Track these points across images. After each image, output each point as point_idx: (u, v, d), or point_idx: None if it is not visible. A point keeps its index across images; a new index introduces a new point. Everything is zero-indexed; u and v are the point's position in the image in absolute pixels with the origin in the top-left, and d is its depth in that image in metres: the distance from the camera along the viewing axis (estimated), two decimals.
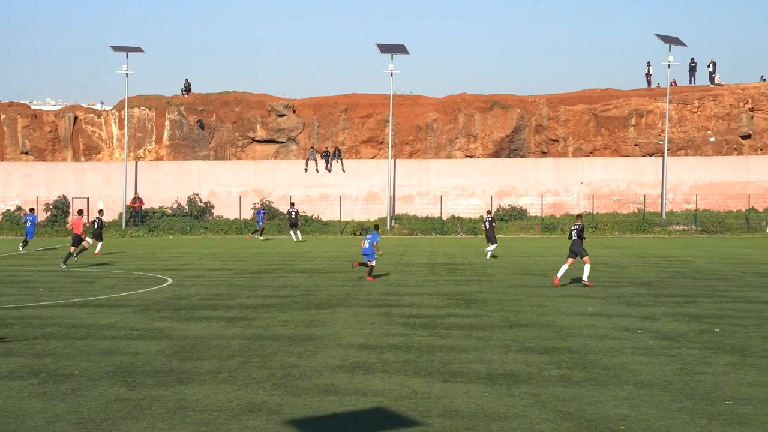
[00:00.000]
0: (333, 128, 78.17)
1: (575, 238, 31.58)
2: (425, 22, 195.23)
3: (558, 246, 52.61)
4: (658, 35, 69.29)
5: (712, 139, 74.51)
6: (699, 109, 75.66)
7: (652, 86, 79.79)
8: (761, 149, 74.82)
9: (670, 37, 69.07)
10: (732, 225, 65.90)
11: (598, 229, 65.10)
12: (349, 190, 71.89)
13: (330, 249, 51.44)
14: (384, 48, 69.71)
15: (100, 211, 46.87)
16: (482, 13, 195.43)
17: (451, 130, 77.22)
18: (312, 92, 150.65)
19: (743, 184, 69.98)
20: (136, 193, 71.63)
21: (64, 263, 39.14)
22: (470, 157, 76.05)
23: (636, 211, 69.39)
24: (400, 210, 71.61)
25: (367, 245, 33.94)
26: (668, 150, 70.32)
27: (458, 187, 71.79)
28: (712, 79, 78.38)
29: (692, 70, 79.57)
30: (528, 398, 14.73)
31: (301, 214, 69.56)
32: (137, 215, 70.25)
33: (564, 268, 31.73)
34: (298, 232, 59.71)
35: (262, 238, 60.26)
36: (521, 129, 76.44)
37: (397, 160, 72.71)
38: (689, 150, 74.31)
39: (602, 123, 75.66)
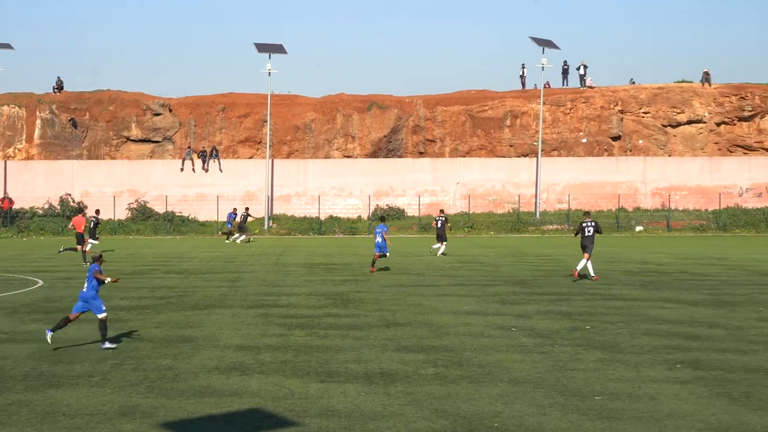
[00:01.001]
0: (210, 128, 77.40)
1: (589, 234, 33.04)
2: (303, 21, 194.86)
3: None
4: (532, 38, 70.55)
5: (584, 140, 76.20)
6: (571, 111, 77.26)
7: (527, 88, 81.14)
8: (630, 150, 76.79)
9: (543, 39, 70.38)
10: (603, 224, 67.44)
11: (474, 228, 65.92)
12: (226, 190, 71.28)
13: (207, 249, 50.92)
14: (261, 47, 69.33)
15: (97, 211, 47.10)
16: (359, 12, 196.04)
17: (329, 130, 77.25)
18: (188, 91, 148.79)
19: (613, 184, 71.75)
20: (5, 192, 69.72)
21: (85, 261, 40.00)
22: (348, 157, 76.20)
23: (511, 210, 70.50)
24: (278, 210, 71.32)
25: (379, 239, 36.50)
26: (542, 151, 71.62)
27: (336, 187, 71.87)
28: (583, 82, 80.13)
29: (565, 72, 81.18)
30: (404, 397, 14.83)
31: (179, 214, 68.68)
32: (6, 216, 68.38)
33: (583, 262, 33.16)
34: (242, 236, 57.69)
35: (228, 240, 58.31)
36: (399, 129, 76.92)
37: (275, 160, 72.41)
38: (562, 151, 75.83)
39: (478, 124, 76.64)
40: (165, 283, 32.60)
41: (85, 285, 19.37)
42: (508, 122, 76.55)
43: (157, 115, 77.50)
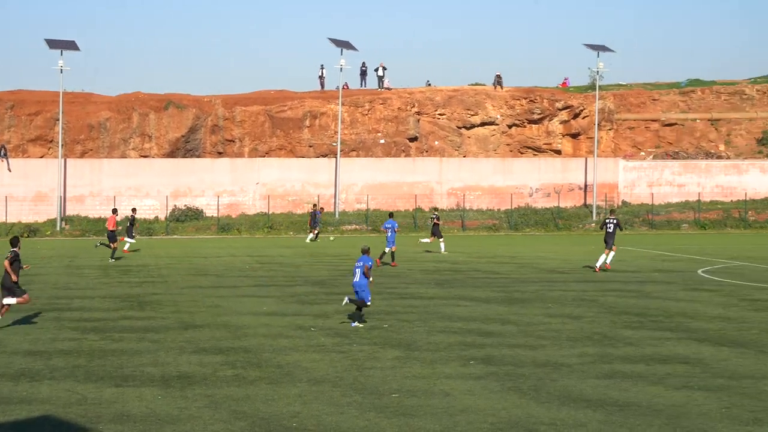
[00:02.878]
0: None
1: (610, 230, 36.60)
2: (98, 18, 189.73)
3: (234, 246, 52.73)
4: (330, 39, 71.00)
5: (382, 141, 77.23)
6: (370, 112, 78.15)
7: (326, 89, 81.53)
8: (426, 151, 78.33)
9: (341, 41, 70.96)
10: (400, 224, 68.54)
11: (273, 229, 65.84)
12: (15, 191, 68.60)
13: None
14: (53, 44, 67.14)
15: (133, 210, 49.83)
16: (154, 11, 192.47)
17: (125, 129, 75.52)
18: None
19: (410, 184, 73.00)
20: None
21: (112, 258, 42.05)
22: (145, 157, 74.70)
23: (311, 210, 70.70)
24: (71, 211, 69.18)
25: (389, 234, 40.25)
26: (341, 151, 72.16)
27: (132, 187, 70.31)
28: (381, 83, 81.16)
29: (363, 74, 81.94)
30: (202, 399, 14.70)
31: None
32: None
33: (603, 257, 36.51)
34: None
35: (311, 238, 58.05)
36: (197, 129, 75.96)
37: (67, 160, 70.22)
38: (361, 151, 76.59)
39: (277, 124, 76.54)
40: None
41: (357, 275, 22.36)
42: (307, 122, 76.78)
43: None
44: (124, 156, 74.42)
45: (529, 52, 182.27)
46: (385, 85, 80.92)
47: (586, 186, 73.59)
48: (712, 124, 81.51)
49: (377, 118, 78.03)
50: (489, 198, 73.75)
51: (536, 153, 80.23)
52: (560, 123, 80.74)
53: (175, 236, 63.95)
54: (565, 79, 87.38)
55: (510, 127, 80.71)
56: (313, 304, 26.29)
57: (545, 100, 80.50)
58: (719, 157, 77.32)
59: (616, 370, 17.12)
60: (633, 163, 75.95)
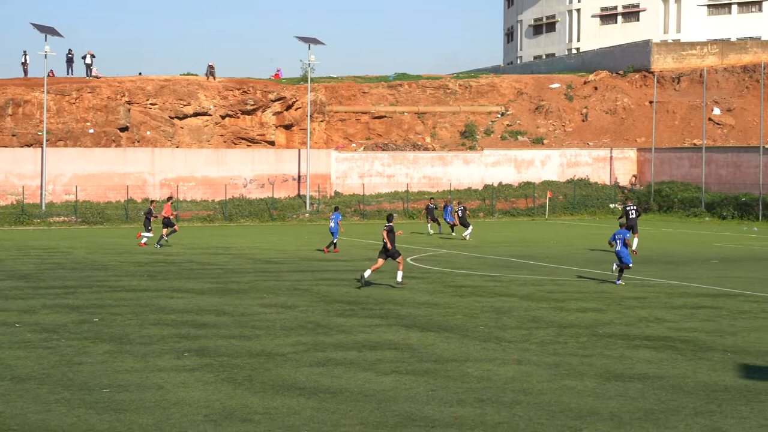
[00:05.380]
0: None
1: (634, 216, 39.26)
2: None
3: None
4: (34, 24, 68.20)
5: (91, 131, 74.98)
6: (77, 101, 75.63)
7: (29, 76, 78.25)
8: (138, 141, 76.73)
9: (46, 26, 68.34)
10: (112, 215, 66.97)
11: None
12: None
13: None
14: None
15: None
16: None
17: None
18: None
19: (122, 175, 71.30)
20: None
21: (158, 244, 43.65)
22: None
23: (15, 203, 67.72)
24: None
25: (332, 224, 40.63)
26: (47, 141, 69.46)
27: None
28: (89, 71, 78.75)
29: (70, 61, 79.23)
30: None
31: None
32: None
33: (635, 241, 38.65)
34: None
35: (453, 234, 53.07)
36: None
37: None
38: (69, 141, 74.01)
39: None
40: None
41: (618, 245, 28.22)
42: (9, 111, 73.38)
43: None
44: None
45: (242, 43, 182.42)
46: (93, 74, 78.60)
47: (299, 177, 74.48)
48: (418, 117, 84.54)
49: (86, 107, 75.68)
50: (203, 189, 73.21)
51: (250, 144, 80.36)
52: (273, 114, 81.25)
53: None
54: (278, 70, 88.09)
55: (223, 117, 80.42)
56: (18, 299, 25.20)
57: (258, 92, 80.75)
58: (426, 149, 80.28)
59: (329, 357, 17.45)
60: (345, 154, 77.56)
